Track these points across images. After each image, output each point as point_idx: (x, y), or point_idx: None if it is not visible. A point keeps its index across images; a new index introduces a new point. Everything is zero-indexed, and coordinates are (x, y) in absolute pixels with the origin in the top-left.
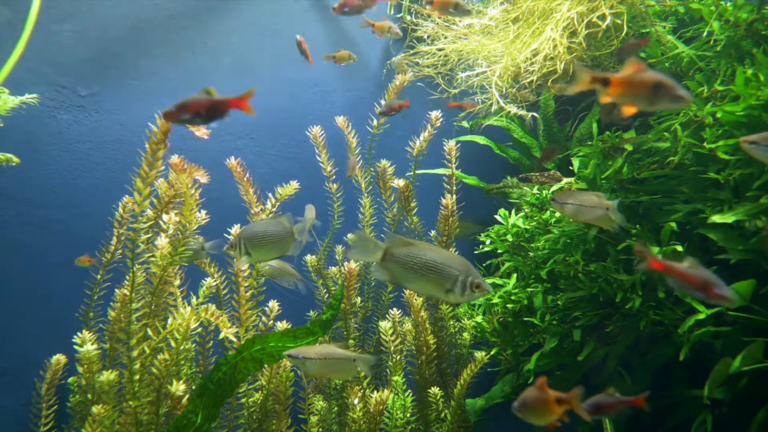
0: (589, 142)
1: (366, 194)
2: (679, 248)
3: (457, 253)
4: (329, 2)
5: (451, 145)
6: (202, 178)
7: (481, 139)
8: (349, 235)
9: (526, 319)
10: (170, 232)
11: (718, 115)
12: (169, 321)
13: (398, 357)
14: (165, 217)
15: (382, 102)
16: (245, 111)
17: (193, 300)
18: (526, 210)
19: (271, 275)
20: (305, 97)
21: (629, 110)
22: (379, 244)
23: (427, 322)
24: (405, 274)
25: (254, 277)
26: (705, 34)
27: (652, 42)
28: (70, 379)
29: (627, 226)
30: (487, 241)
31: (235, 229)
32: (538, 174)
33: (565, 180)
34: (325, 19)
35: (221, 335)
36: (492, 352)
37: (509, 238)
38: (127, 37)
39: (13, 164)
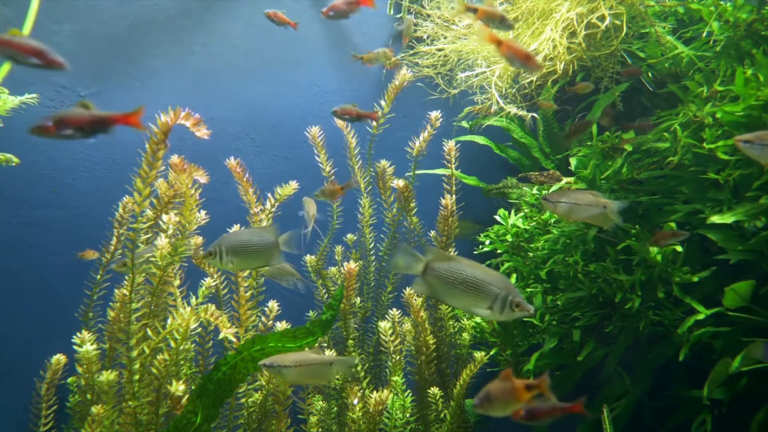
0: (589, 143)
1: (365, 194)
2: (679, 248)
3: (456, 253)
4: (329, 2)
5: (450, 145)
6: (202, 178)
7: (480, 140)
8: (396, 259)
9: (525, 319)
10: (170, 232)
11: (718, 115)
12: (169, 321)
13: (398, 357)
14: (165, 217)
15: (382, 102)
16: (135, 127)
17: (193, 300)
18: (526, 210)
19: (271, 275)
20: (305, 98)
21: None
22: (420, 257)
23: (427, 323)
24: (445, 289)
25: (254, 277)
26: (705, 34)
27: (652, 42)
28: (70, 379)
29: (626, 226)
30: (487, 242)
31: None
32: (537, 174)
33: (565, 180)
34: (323, 19)
35: (221, 335)
36: (491, 353)
37: (509, 238)
38: (126, 37)
39: (13, 164)
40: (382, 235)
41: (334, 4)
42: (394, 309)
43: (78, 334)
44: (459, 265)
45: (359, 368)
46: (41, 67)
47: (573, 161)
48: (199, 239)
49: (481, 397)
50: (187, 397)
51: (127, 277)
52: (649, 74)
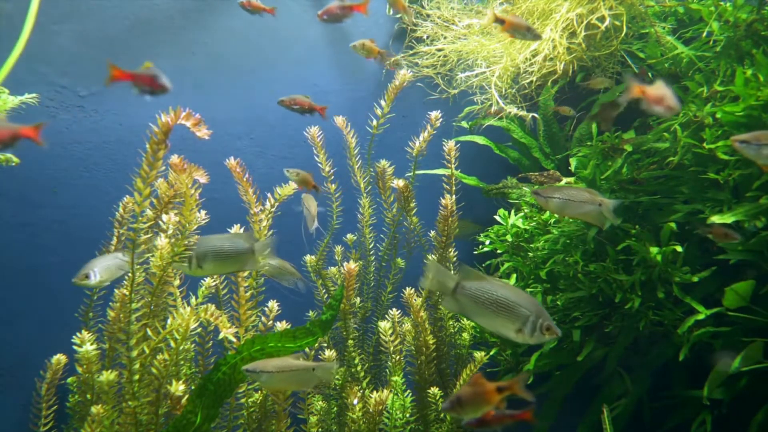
0: (589, 143)
1: (365, 194)
2: (679, 248)
3: (456, 253)
4: (329, 2)
5: (450, 145)
6: (202, 178)
7: (480, 140)
8: (427, 276)
9: None
10: (170, 232)
11: (718, 115)
12: (169, 321)
13: (398, 357)
14: (165, 217)
15: (382, 102)
16: (35, 141)
17: (193, 300)
18: (526, 210)
19: (272, 274)
20: None
21: None
22: (452, 275)
23: (427, 323)
24: (475, 308)
25: (254, 277)
26: (704, 34)
27: (652, 42)
28: (69, 379)
29: (626, 226)
30: (487, 242)
31: (235, 230)
32: (537, 174)
33: (565, 180)
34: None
35: (221, 335)
36: (491, 353)
37: (509, 238)
38: (126, 37)
39: (13, 164)
40: (382, 235)
41: (329, 8)
42: (394, 309)
43: (78, 334)
44: (490, 285)
45: (359, 368)
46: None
47: (573, 161)
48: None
49: (452, 401)
50: (186, 397)
51: (127, 277)
52: (649, 74)
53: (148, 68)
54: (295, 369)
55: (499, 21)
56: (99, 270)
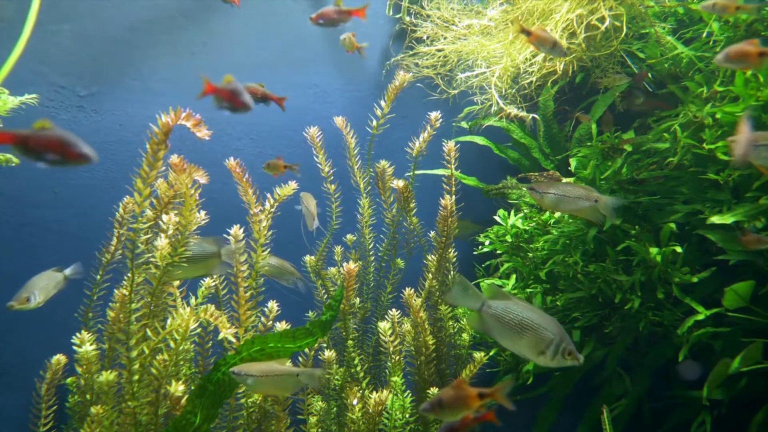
0: (589, 143)
1: (365, 195)
2: (678, 249)
3: (456, 253)
4: (328, 2)
5: (450, 145)
6: (202, 178)
7: (480, 140)
8: (453, 293)
9: None
10: (170, 232)
11: (718, 116)
12: (169, 321)
13: (397, 358)
14: (165, 217)
15: (382, 103)
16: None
17: (192, 300)
18: (526, 211)
19: (272, 274)
20: (304, 98)
21: None
22: (478, 294)
23: (427, 323)
24: (500, 328)
25: (253, 277)
26: (704, 34)
27: (652, 43)
28: (69, 380)
29: (626, 226)
30: (487, 242)
31: (235, 230)
32: (537, 174)
33: (565, 180)
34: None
35: (220, 336)
36: (491, 353)
37: (508, 238)
38: (126, 37)
39: (13, 165)
40: (381, 236)
41: (325, 12)
42: (394, 309)
43: (78, 334)
44: (515, 306)
45: (359, 368)
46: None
47: (573, 162)
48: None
49: (433, 402)
50: (186, 397)
51: (126, 277)
52: (649, 75)
53: (228, 82)
54: (278, 374)
55: (525, 32)
56: (38, 291)
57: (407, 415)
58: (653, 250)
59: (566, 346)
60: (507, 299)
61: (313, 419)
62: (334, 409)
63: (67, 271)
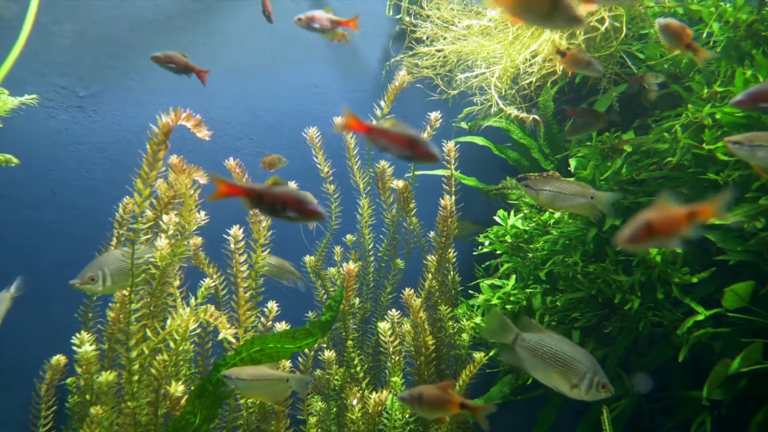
0: (588, 143)
1: (364, 195)
2: (678, 249)
3: (456, 254)
4: (328, 3)
5: (450, 146)
6: (202, 178)
7: (480, 140)
8: (488, 326)
9: None
10: (170, 232)
11: (718, 116)
12: (168, 322)
13: (397, 358)
14: (165, 217)
15: (382, 103)
16: None
17: (192, 301)
18: (525, 211)
19: (272, 274)
20: (304, 98)
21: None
22: (512, 327)
23: (426, 323)
24: (533, 361)
25: (253, 277)
26: (705, 35)
27: (652, 43)
28: (69, 380)
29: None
30: (486, 242)
31: (234, 230)
32: (536, 175)
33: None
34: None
35: (220, 336)
36: (491, 353)
37: (508, 239)
38: (126, 37)
39: (12, 165)
40: (381, 236)
41: (316, 16)
42: (394, 310)
43: (77, 334)
44: (549, 339)
45: (359, 369)
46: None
47: (572, 162)
48: (199, 240)
49: (413, 395)
50: (186, 397)
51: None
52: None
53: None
54: (269, 378)
55: (561, 53)
56: None
57: (407, 416)
58: (653, 251)
59: (599, 379)
60: (540, 332)
61: (312, 419)
62: (334, 409)
63: (12, 290)
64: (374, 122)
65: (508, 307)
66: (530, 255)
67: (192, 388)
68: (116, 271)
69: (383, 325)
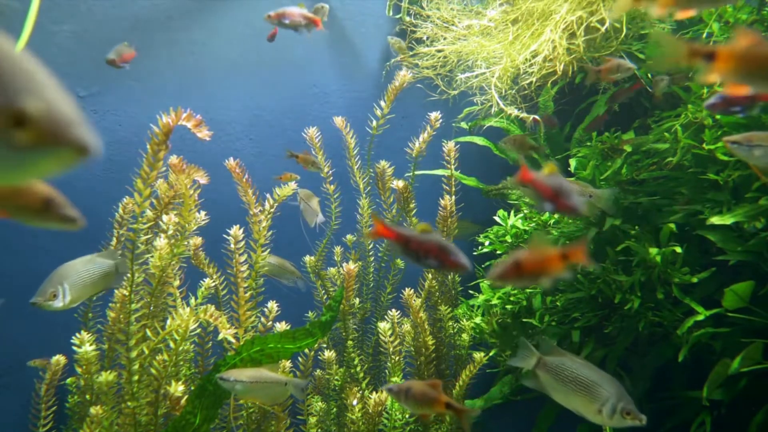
0: (588, 143)
1: (364, 195)
2: (678, 249)
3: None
4: (328, 3)
5: (450, 146)
6: (202, 179)
7: (480, 140)
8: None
9: (525, 320)
10: (170, 232)
11: (718, 116)
12: (168, 322)
13: (397, 358)
14: (165, 217)
15: (382, 103)
16: None
17: (192, 301)
18: (525, 211)
19: (272, 273)
20: (304, 98)
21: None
22: (534, 351)
23: (426, 323)
24: (555, 385)
25: (253, 277)
26: (704, 35)
27: (651, 43)
28: (69, 380)
29: (625, 227)
30: (486, 242)
31: (234, 230)
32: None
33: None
34: (323, 19)
35: (220, 336)
36: (491, 354)
37: (508, 239)
38: (126, 37)
39: None
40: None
41: (287, 12)
42: (394, 310)
43: (77, 334)
44: (572, 362)
45: (359, 369)
46: None
47: (572, 162)
48: (199, 240)
49: (401, 388)
50: (186, 397)
51: (126, 278)
52: (649, 75)
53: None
54: (267, 381)
55: (598, 71)
56: None
57: (407, 416)
58: (653, 251)
59: (625, 405)
60: (562, 356)
61: (312, 419)
62: (334, 409)
63: None
64: (404, 228)
65: (508, 307)
66: None
67: (192, 388)
68: (76, 285)
69: (383, 325)
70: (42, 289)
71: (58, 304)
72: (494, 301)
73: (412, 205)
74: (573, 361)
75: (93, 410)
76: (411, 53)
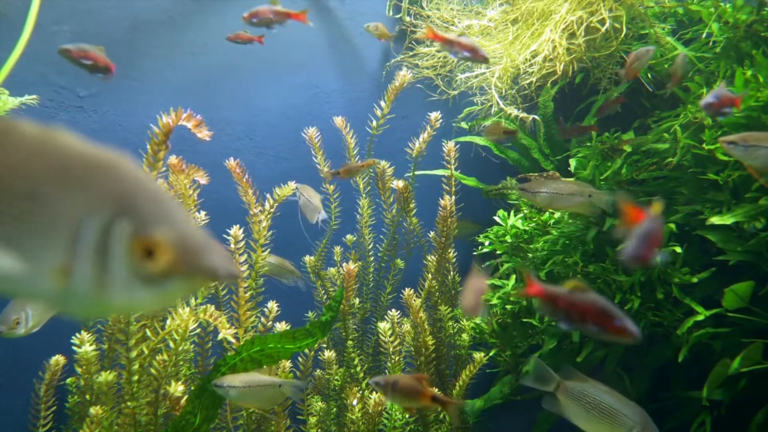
0: (588, 144)
1: (364, 195)
2: (678, 249)
3: (456, 254)
4: (328, 3)
5: (450, 146)
6: (202, 179)
7: (480, 140)
8: (530, 374)
9: (525, 320)
10: None
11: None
12: (168, 322)
13: (397, 358)
14: None
15: (382, 103)
16: None
17: (192, 301)
18: (525, 211)
19: (272, 273)
20: (304, 99)
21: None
22: (553, 375)
23: (426, 323)
24: (576, 411)
25: (253, 277)
26: (704, 35)
27: (651, 43)
28: (68, 380)
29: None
30: (486, 242)
31: (234, 230)
32: (536, 175)
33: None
34: (323, 20)
35: (220, 336)
36: (491, 354)
37: (508, 239)
38: (126, 37)
39: None
40: (381, 236)
41: (258, 11)
42: (394, 310)
43: (77, 334)
44: (593, 389)
45: (359, 369)
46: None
47: (572, 162)
48: None
49: (388, 381)
50: (186, 397)
51: None
52: (649, 75)
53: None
54: (263, 384)
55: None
56: None
57: (407, 416)
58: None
59: None
60: (584, 381)
61: (312, 419)
62: (334, 409)
63: None
64: (556, 288)
65: (508, 307)
66: (530, 255)
67: (192, 388)
68: (38, 309)
69: (383, 325)
70: (4, 315)
71: (20, 331)
72: (494, 301)
73: (411, 205)
74: (595, 387)
75: (93, 410)
76: (411, 53)
